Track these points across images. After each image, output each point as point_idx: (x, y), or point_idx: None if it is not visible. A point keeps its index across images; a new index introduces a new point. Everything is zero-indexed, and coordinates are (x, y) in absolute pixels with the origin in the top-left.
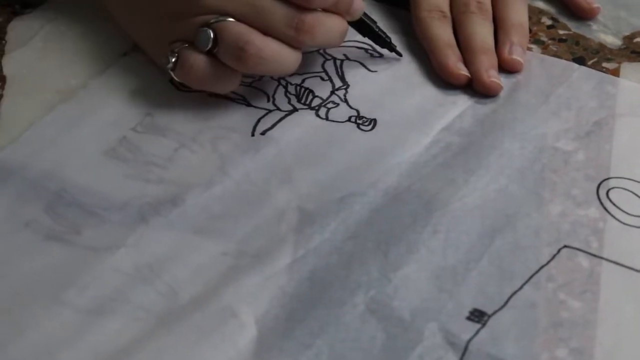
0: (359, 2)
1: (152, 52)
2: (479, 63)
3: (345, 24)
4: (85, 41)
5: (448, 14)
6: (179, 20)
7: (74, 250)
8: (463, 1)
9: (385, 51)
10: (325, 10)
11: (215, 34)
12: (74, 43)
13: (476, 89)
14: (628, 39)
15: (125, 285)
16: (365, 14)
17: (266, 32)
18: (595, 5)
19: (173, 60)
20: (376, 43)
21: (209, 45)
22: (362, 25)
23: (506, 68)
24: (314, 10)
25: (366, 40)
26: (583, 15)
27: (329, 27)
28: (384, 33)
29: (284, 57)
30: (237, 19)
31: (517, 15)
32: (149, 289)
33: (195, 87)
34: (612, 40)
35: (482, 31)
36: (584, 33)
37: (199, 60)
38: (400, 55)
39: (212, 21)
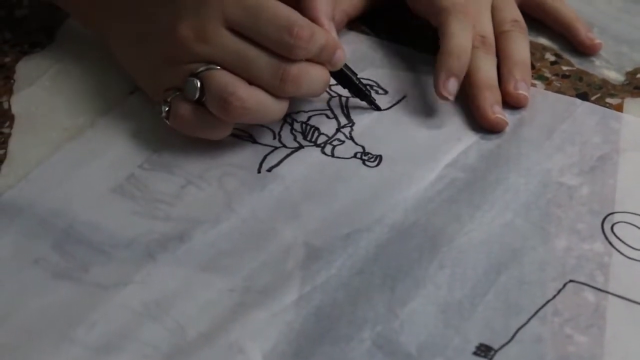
0: (340, 52)
1: (151, 96)
2: (483, 99)
3: (328, 74)
4: (92, 80)
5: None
6: (172, 67)
7: (82, 287)
8: None
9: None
10: (309, 60)
11: (202, 84)
12: (82, 82)
13: (481, 125)
14: (631, 74)
15: (133, 322)
16: (346, 66)
17: (252, 81)
18: (597, 41)
19: (166, 109)
20: (355, 95)
21: (197, 95)
22: (343, 77)
23: (512, 103)
24: (298, 60)
25: (371, 77)
26: (585, 51)
27: (312, 77)
28: (364, 86)
29: (268, 106)
30: (224, 68)
31: (520, 52)
32: (157, 325)
33: (189, 134)
34: (615, 76)
35: (485, 66)
36: (587, 69)
37: (188, 111)
38: (380, 108)
39: (199, 70)
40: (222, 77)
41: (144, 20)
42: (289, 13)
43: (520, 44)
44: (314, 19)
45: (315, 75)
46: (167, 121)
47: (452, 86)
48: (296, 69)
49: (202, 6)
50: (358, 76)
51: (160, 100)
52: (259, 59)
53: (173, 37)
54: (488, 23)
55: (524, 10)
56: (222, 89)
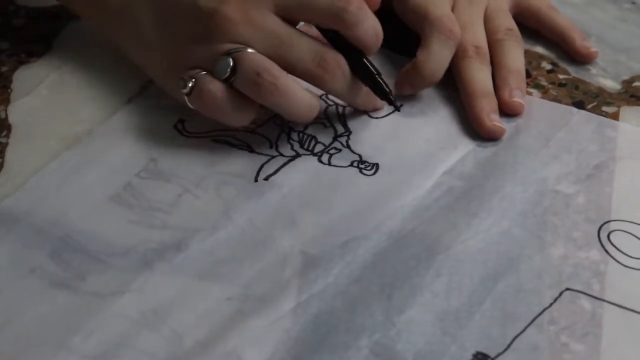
0: (380, 34)
1: (166, 79)
2: (480, 107)
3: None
4: (89, 89)
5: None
6: (199, 47)
7: (79, 296)
8: (460, 44)
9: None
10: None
11: (234, 63)
12: (79, 91)
13: (479, 133)
14: (627, 83)
15: (130, 330)
16: (370, 62)
17: (290, 67)
18: (593, 49)
19: (190, 85)
20: (375, 92)
21: (227, 73)
22: (366, 71)
23: (507, 111)
24: (334, 50)
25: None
26: (581, 60)
27: (345, 73)
28: (386, 84)
29: (299, 95)
30: (259, 52)
31: (514, 61)
32: (154, 334)
33: (209, 115)
34: (611, 84)
35: (480, 76)
36: (584, 77)
37: (216, 87)
38: (398, 108)
39: (233, 50)
40: (256, 57)
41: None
42: None
43: (515, 53)
44: None
45: (347, 73)
46: (187, 98)
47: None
48: (334, 58)
49: None
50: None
51: (185, 77)
52: (301, 43)
53: (216, 17)
54: (481, 32)
55: (519, 20)
56: (256, 65)
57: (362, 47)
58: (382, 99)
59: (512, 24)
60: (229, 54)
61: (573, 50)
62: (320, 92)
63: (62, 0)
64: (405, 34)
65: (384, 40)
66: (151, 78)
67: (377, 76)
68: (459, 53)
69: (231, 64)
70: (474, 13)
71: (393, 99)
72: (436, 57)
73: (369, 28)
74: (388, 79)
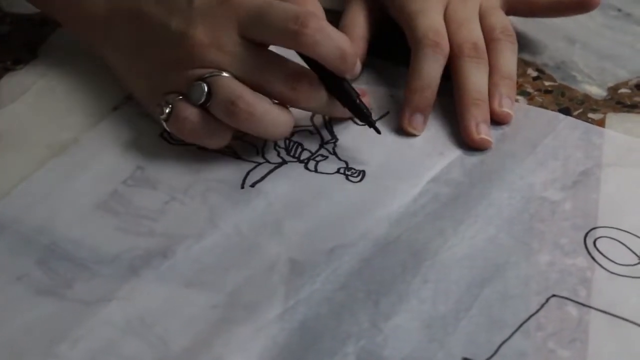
0: (354, 57)
1: (146, 102)
2: (469, 117)
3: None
4: (76, 96)
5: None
6: (175, 72)
7: (65, 304)
8: (457, 42)
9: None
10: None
11: (209, 88)
12: (65, 98)
13: (466, 143)
14: (613, 89)
15: (117, 338)
16: (349, 84)
17: (262, 89)
18: None
19: (167, 111)
20: (355, 116)
21: (203, 99)
22: (344, 95)
23: (495, 119)
24: (305, 69)
25: None
26: (589, 7)
27: (321, 93)
28: (365, 107)
29: (275, 116)
30: (234, 76)
31: (508, 65)
32: (140, 341)
33: (187, 140)
34: (597, 91)
35: (475, 78)
36: (570, 84)
37: (192, 113)
38: (379, 132)
39: (206, 75)
40: (231, 82)
41: (150, 27)
42: (298, 7)
43: (509, 55)
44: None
45: (323, 93)
46: (165, 124)
47: (417, 122)
48: (308, 80)
49: (217, 13)
50: (358, 95)
51: (161, 102)
52: (272, 68)
53: (186, 42)
54: (478, 29)
55: (512, 13)
56: (230, 93)
57: (329, 68)
58: (362, 121)
59: (507, 23)
60: (202, 79)
61: (578, 3)
62: None
63: (46, 11)
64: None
65: (385, 52)
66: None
67: (355, 100)
68: (456, 51)
69: (205, 89)
70: (469, 10)
71: (373, 122)
72: (426, 73)
73: (332, 49)
74: (386, 89)
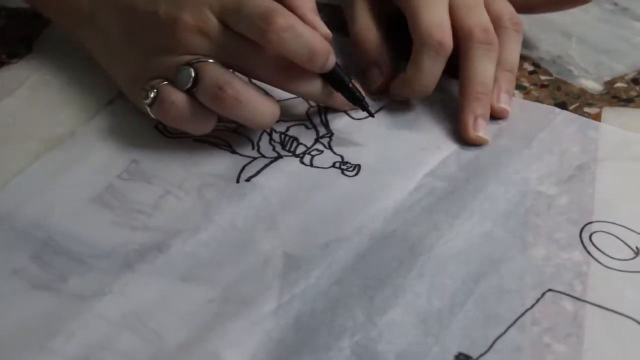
0: (331, 57)
1: (129, 89)
2: (468, 111)
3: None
4: (71, 90)
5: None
6: (161, 57)
7: (60, 298)
8: (467, 26)
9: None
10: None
11: (195, 74)
12: (60, 92)
13: (461, 138)
14: (609, 84)
15: (112, 332)
16: (340, 68)
17: (250, 75)
18: None
19: (152, 95)
20: (349, 99)
21: (189, 84)
22: (336, 81)
23: (492, 115)
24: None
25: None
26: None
27: (313, 76)
28: (358, 91)
29: (260, 105)
30: (219, 61)
31: (512, 57)
32: (135, 336)
33: (171, 125)
34: (593, 85)
35: (483, 67)
36: (566, 78)
37: (178, 98)
38: (372, 115)
39: (193, 61)
40: (217, 69)
41: (134, 11)
42: (270, 3)
43: (514, 47)
44: (300, 16)
45: (313, 77)
46: (149, 109)
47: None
48: (291, 67)
49: (200, 1)
50: (351, 80)
51: (147, 87)
52: (258, 51)
53: (173, 28)
54: (486, 15)
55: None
56: (217, 79)
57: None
58: (355, 105)
59: (513, 11)
60: (190, 64)
61: None
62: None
63: (33, 5)
64: (402, 39)
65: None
66: (117, 86)
67: (348, 84)
68: (466, 35)
69: (192, 74)
70: None
71: (366, 105)
72: (425, 73)
73: (300, 48)
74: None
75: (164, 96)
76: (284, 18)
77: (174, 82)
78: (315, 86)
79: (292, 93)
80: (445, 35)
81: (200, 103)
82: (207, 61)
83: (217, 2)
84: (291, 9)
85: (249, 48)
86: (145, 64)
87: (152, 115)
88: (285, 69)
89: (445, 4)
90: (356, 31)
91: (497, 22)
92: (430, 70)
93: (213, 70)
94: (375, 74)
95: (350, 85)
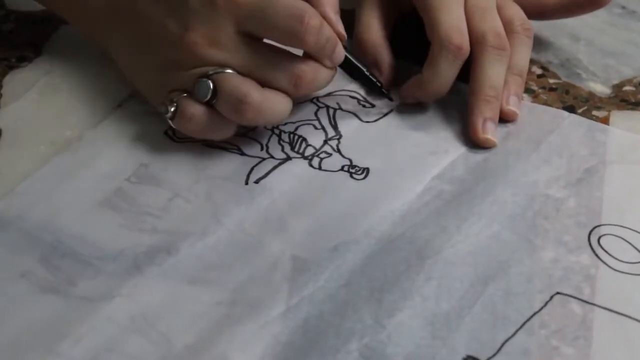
0: (340, 48)
1: (151, 99)
2: (478, 112)
3: (331, 75)
4: (80, 93)
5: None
6: (178, 70)
7: (68, 301)
8: (481, 30)
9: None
10: (309, 56)
11: (214, 85)
12: (69, 95)
13: (470, 138)
14: (617, 87)
15: (120, 335)
16: (355, 57)
17: (265, 84)
18: None
19: (172, 109)
20: (366, 86)
21: (208, 96)
22: (353, 69)
23: (501, 117)
24: (309, 60)
25: (359, 90)
26: (596, 5)
27: (321, 77)
28: (375, 77)
29: (279, 107)
30: (237, 71)
31: (522, 62)
32: (143, 339)
33: (193, 136)
34: (601, 88)
35: (494, 72)
36: (574, 82)
37: (198, 111)
38: (392, 99)
39: (211, 72)
40: (236, 80)
41: (148, 27)
42: (299, 3)
43: (524, 51)
44: (321, 13)
45: (324, 76)
46: (170, 122)
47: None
48: (310, 72)
49: (212, 11)
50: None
51: (166, 101)
52: (273, 63)
53: (183, 43)
54: (499, 19)
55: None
56: (236, 91)
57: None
58: (374, 91)
59: (524, 16)
60: (207, 76)
61: (589, 1)
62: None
63: (50, 8)
64: (418, 42)
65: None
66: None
67: (365, 71)
68: (479, 39)
69: (211, 87)
70: (489, 0)
71: (385, 92)
72: (442, 76)
73: (328, 47)
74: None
75: (183, 110)
76: (316, 18)
77: (192, 94)
78: (327, 83)
79: (308, 96)
80: (463, 40)
81: (219, 113)
82: (225, 71)
83: (233, 10)
84: (315, 7)
85: (265, 56)
86: (162, 77)
87: (174, 127)
88: (300, 80)
89: (462, 6)
90: (359, 31)
91: (508, 27)
92: (446, 73)
93: (232, 81)
94: (374, 75)
95: (369, 74)
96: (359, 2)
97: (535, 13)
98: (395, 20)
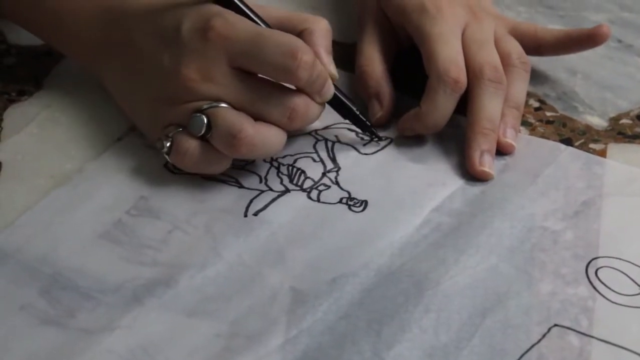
0: (330, 84)
1: (147, 133)
2: (476, 146)
3: (321, 109)
4: (79, 127)
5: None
6: (173, 105)
7: (68, 333)
8: (478, 63)
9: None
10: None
11: (208, 120)
12: (69, 129)
13: (467, 172)
14: (614, 120)
15: None
16: (345, 96)
17: (259, 117)
18: (605, 25)
19: (167, 144)
20: (356, 126)
21: (203, 131)
22: (343, 108)
23: (498, 149)
24: (301, 94)
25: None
26: (600, 40)
27: (312, 111)
28: (364, 117)
29: (273, 140)
30: (231, 105)
31: (519, 95)
32: None
33: (189, 170)
34: (598, 121)
35: (491, 106)
36: (571, 115)
37: (193, 146)
38: (380, 138)
39: (205, 107)
40: (230, 114)
41: (142, 61)
42: (292, 39)
43: (521, 85)
44: (314, 53)
45: (316, 111)
46: (167, 157)
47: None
48: (304, 105)
49: (205, 46)
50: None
51: (162, 136)
52: (267, 98)
53: (177, 78)
54: (496, 53)
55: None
56: (230, 126)
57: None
58: (363, 132)
59: (522, 50)
60: (201, 111)
61: (588, 36)
62: None
63: (45, 39)
64: (415, 75)
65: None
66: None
67: (355, 111)
68: (477, 73)
69: (205, 121)
70: (486, 33)
71: (374, 131)
72: (440, 109)
73: (319, 83)
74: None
75: (178, 145)
76: (309, 54)
77: (187, 129)
78: (319, 115)
79: (301, 129)
80: (461, 73)
81: (214, 147)
82: (219, 106)
83: (226, 46)
84: (309, 45)
85: (258, 91)
86: (157, 111)
87: (172, 162)
88: (293, 113)
89: (459, 38)
90: (361, 64)
91: (505, 60)
92: (444, 106)
93: (226, 116)
94: (375, 107)
95: (358, 113)
96: (360, 36)
97: (533, 49)
98: (394, 53)
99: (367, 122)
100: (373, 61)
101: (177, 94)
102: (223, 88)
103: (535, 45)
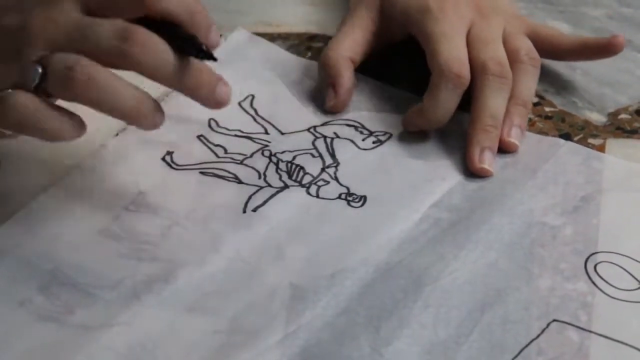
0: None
1: None
2: (476, 142)
3: (170, 52)
4: None
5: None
6: (9, 64)
7: (67, 329)
8: (482, 59)
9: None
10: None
11: (43, 68)
12: None
13: (467, 168)
14: (613, 115)
15: None
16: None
17: (94, 53)
18: (620, 35)
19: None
20: (185, 48)
21: (37, 80)
22: (165, 28)
23: (501, 147)
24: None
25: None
26: (615, 51)
27: (162, 48)
28: (190, 36)
29: (119, 86)
30: (67, 50)
31: (525, 92)
32: None
33: (25, 133)
34: (597, 117)
35: (495, 101)
36: (570, 110)
37: (27, 99)
38: (215, 59)
39: (40, 58)
40: (64, 55)
41: None
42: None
43: (530, 81)
44: None
45: (162, 48)
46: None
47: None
48: (144, 32)
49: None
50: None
51: None
52: (103, 23)
53: (25, 28)
54: (503, 50)
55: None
56: (65, 61)
57: (177, 22)
58: (191, 53)
59: (532, 47)
60: (37, 61)
61: (604, 46)
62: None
63: None
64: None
65: (388, 77)
66: None
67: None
68: (480, 68)
69: (40, 70)
70: (494, 30)
71: (207, 50)
72: (442, 105)
73: (158, 52)
74: (388, 113)
75: (11, 102)
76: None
77: (21, 84)
78: (166, 59)
79: (141, 69)
80: (463, 68)
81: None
82: (55, 54)
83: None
84: None
85: (96, 22)
86: None
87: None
88: (131, 34)
89: (463, 37)
90: (327, 47)
91: (514, 57)
92: (446, 102)
93: (60, 57)
94: (330, 95)
95: (183, 34)
96: (343, 19)
97: (548, 53)
98: (378, 48)
99: (196, 41)
100: (340, 46)
101: (17, 47)
102: (61, 30)
103: (550, 49)
